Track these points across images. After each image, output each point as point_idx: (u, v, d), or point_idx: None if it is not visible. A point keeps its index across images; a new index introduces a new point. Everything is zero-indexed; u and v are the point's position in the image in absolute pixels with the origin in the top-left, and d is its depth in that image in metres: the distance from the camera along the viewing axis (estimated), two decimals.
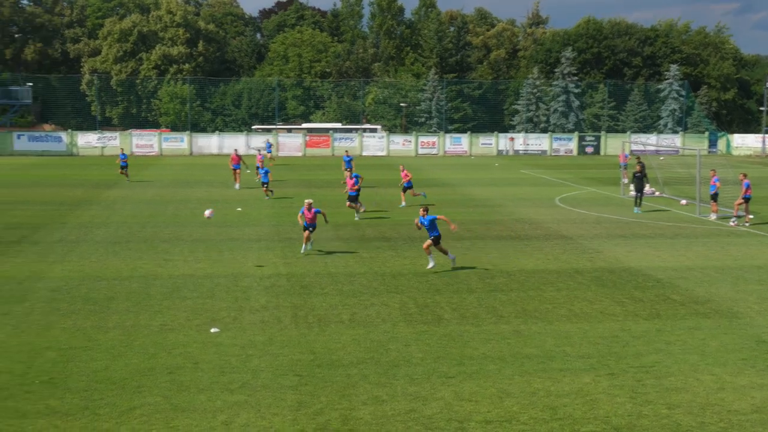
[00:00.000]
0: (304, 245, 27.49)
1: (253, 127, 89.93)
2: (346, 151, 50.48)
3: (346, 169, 47.08)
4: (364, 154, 78.45)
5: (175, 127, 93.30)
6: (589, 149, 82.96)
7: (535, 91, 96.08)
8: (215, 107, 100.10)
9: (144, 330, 18.26)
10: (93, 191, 45.66)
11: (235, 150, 50.26)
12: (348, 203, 36.00)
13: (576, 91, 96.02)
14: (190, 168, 61.72)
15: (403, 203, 40.08)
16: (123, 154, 53.80)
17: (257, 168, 47.37)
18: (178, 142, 77.38)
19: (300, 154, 77.98)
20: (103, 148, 75.92)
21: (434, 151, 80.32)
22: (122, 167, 52.21)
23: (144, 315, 19.58)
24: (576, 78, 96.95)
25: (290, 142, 79.13)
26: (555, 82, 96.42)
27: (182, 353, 16.61)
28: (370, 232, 32.03)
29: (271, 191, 43.21)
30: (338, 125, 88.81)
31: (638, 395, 14.55)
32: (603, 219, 36.26)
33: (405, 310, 20.23)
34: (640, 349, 17.29)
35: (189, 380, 15.02)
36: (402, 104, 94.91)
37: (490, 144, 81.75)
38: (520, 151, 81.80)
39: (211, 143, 77.55)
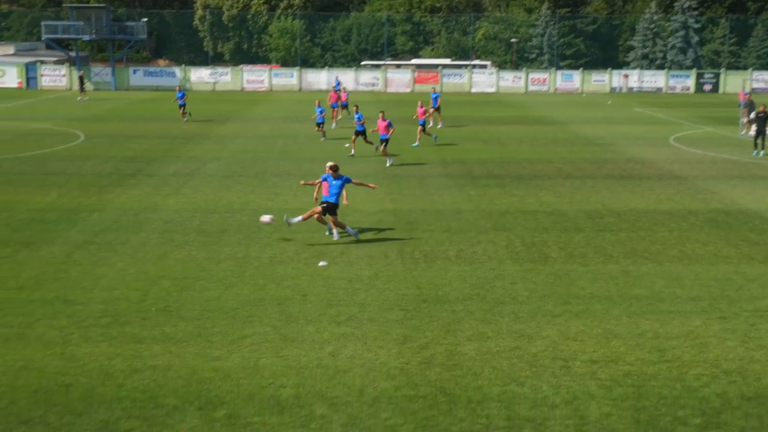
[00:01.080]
0: (334, 231, 20.98)
1: (362, 62, 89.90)
2: (434, 88, 49.30)
3: (433, 108, 46.09)
4: (473, 90, 77.66)
5: (285, 63, 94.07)
6: (707, 87, 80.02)
7: (652, 26, 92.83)
8: (325, 42, 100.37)
9: (254, 262, 18.74)
10: (205, 126, 46.66)
11: (333, 87, 49.81)
12: (382, 147, 32.94)
13: (695, 26, 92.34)
14: (299, 104, 62.29)
15: (417, 143, 39.08)
16: (180, 92, 50.11)
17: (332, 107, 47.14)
18: (287, 78, 78.07)
19: (408, 90, 77.71)
20: (215, 83, 77.25)
21: (545, 88, 78.88)
22: (180, 106, 49.32)
23: (254, 247, 20.07)
24: (696, 12, 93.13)
25: (399, 78, 78.86)
26: (673, 17, 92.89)
27: (291, 285, 17.00)
28: (477, 170, 31.86)
29: (324, 133, 41.15)
30: (447, 61, 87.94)
31: (751, 339, 14.21)
32: (719, 159, 35.12)
33: (511, 248, 20.16)
34: (754, 292, 16.83)
35: (297, 312, 15.39)
36: (513, 40, 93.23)
37: (603, 81, 79.72)
38: (634, 89, 79.53)
39: (320, 79, 77.92)
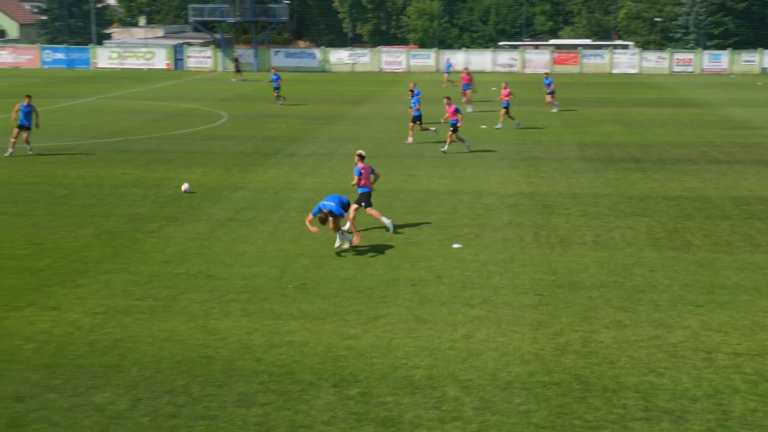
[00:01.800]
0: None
1: (500, 43, 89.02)
2: (546, 73, 47.46)
3: (548, 93, 44.87)
4: (614, 71, 75.75)
5: (422, 44, 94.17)
6: None
7: None
8: (462, 23, 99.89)
9: (389, 242, 18.86)
10: (343, 106, 47.24)
11: (466, 68, 48.52)
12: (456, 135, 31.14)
13: None
14: (436, 84, 62.22)
15: (500, 125, 37.91)
16: (275, 74, 48.80)
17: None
18: (425, 59, 78.14)
19: (547, 71, 76.41)
20: (353, 64, 78.06)
21: (690, 69, 76.14)
22: (275, 89, 48.18)
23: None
24: None
25: (537, 59, 77.70)
26: None
27: (425, 266, 17.04)
28: (617, 153, 31.09)
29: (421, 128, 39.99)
30: (587, 41, 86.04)
31: None
32: None
33: (652, 234, 19.59)
34: None
35: (431, 293, 15.41)
36: (657, 19, 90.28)
37: (753, 61, 76.29)
38: None
39: (457, 60, 77.63)
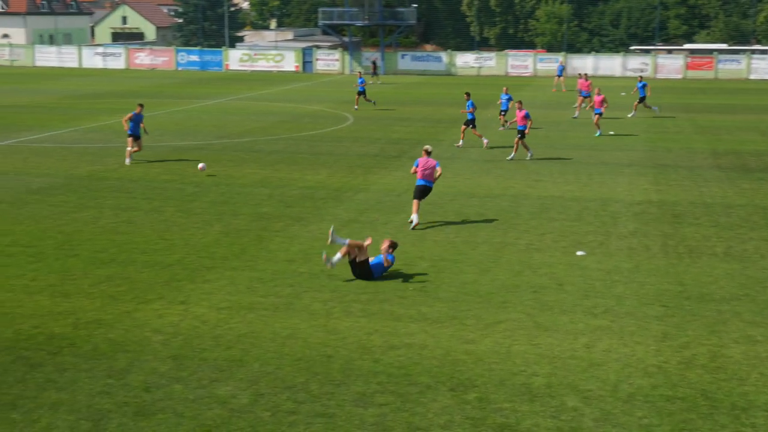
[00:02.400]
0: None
1: (631, 47, 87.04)
2: (640, 76, 45.01)
3: (640, 96, 42.95)
4: (751, 77, 73.00)
5: (550, 48, 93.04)
6: None
7: None
8: (593, 27, 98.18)
9: (511, 247, 18.72)
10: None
11: (585, 75, 46.72)
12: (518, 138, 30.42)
13: None
14: (560, 90, 61.37)
15: (599, 132, 36.73)
16: (361, 78, 48.33)
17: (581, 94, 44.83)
18: (552, 63, 77.15)
19: (680, 76, 74.33)
20: (479, 68, 77.78)
21: None
22: (359, 92, 47.14)
23: (512, 233, 20.04)
24: None
25: (670, 64, 75.62)
26: None
27: (547, 273, 16.82)
28: (753, 162, 29.96)
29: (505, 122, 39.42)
30: (723, 46, 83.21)
31: None
32: None
33: None
34: None
35: (552, 300, 15.21)
36: None
37: None
38: None
39: (585, 64, 76.26)
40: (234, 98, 53.84)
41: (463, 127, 34.03)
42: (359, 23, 79.41)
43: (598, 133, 36.87)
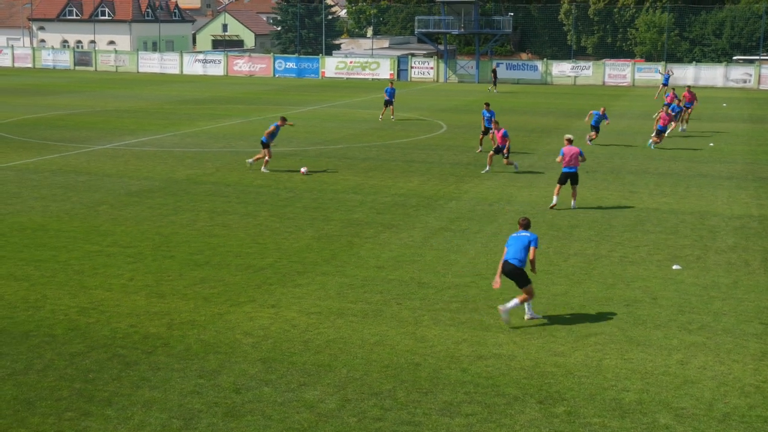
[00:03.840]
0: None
1: (734, 57, 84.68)
2: (674, 95, 40.34)
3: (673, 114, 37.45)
4: None
5: (649, 57, 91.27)
6: None
7: None
8: (694, 36, 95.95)
9: (604, 260, 18.38)
10: (563, 120, 46.56)
11: (688, 87, 43.63)
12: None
13: None
14: (662, 100, 60.05)
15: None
16: (389, 88, 45.26)
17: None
18: (651, 73, 75.63)
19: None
20: (575, 77, 76.80)
21: None
22: (386, 102, 44.60)
23: (605, 245, 19.68)
24: None
25: None
26: None
27: (641, 287, 16.46)
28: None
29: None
30: None
31: None
32: None
33: None
34: None
35: (646, 315, 14.86)
36: None
37: None
38: None
39: (686, 74, 74.49)
40: (329, 105, 54.39)
41: (481, 136, 34.40)
42: (455, 32, 79.30)
43: (650, 144, 35.70)
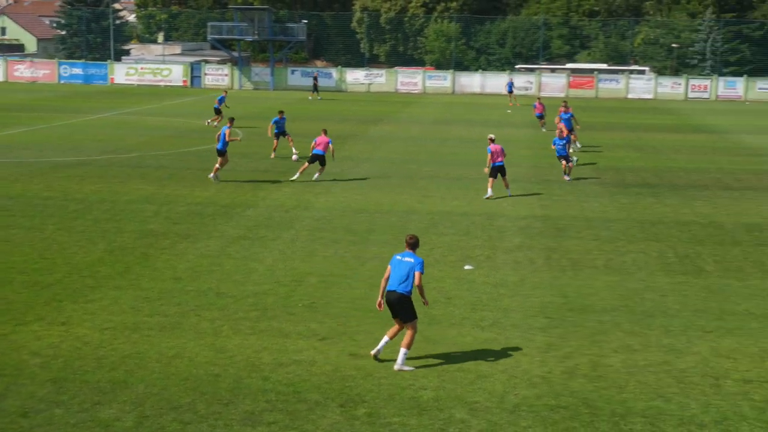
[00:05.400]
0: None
1: (517, 66, 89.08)
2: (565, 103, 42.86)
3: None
4: (629, 96, 75.66)
5: (439, 65, 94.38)
6: None
7: None
8: (479, 46, 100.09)
9: None
10: (359, 126, 47.34)
11: (539, 98, 47.29)
12: None
13: None
14: (451, 106, 62.34)
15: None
16: (279, 119, 40.18)
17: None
18: (441, 81, 78.23)
19: (562, 95, 76.39)
20: (369, 84, 78.25)
21: (705, 95, 75.94)
22: (277, 135, 39.38)
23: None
24: None
25: (553, 83, 77.67)
26: None
27: (436, 287, 17.01)
28: (630, 178, 31.02)
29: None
30: (603, 66, 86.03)
31: None
32: None
33: (663, 260, 19.52)
34: None
35: (441, 314, 15.38)
36: (674, 45, 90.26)
37: None
38: None
39: (473, 82, 77.59)
40: (120, 112, 52.68)
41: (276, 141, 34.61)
42: (249, 38, 78.82)
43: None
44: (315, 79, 69.66)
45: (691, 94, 76.10)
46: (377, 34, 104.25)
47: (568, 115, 36.54)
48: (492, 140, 27.22)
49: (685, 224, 23.30)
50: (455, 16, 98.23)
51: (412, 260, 13.10)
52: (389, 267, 13.25)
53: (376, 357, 13.10)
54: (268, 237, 21.05)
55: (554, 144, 30.09)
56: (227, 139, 28.47)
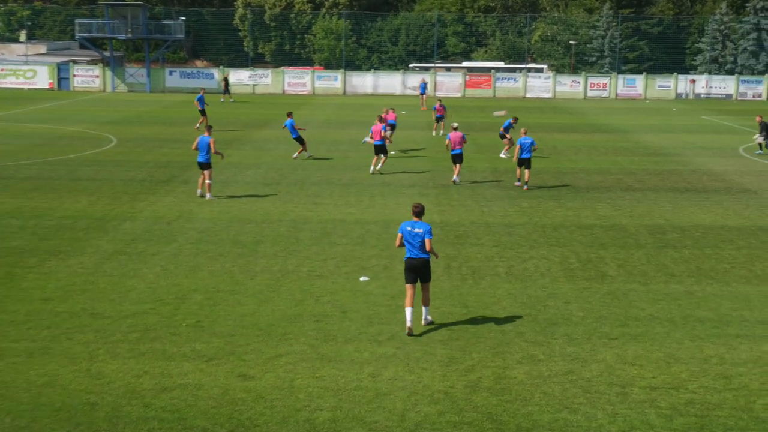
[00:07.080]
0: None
1: (410, 65, 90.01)
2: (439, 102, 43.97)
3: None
4: (528, 95, 77.36)
5: (328, 65, 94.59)
6: None
7: (722, 28, 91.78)
8: (371, 44, 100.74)
9: (292, 275, 18.79)
10: (244, 131, 47.02)
11: (440, 100, 48.59)
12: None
13: None
14: (343, 108, 62.54)
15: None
16: (200, 95, 49.63)
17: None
18: (331, 81, 78.43)
19: (459, 94, 77.58)
20: (254, 86, 77.83)
21: (605, 94, 78.32)
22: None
23: (292, 260, 20.12)
24: None
25: (449, 82, 78.81)
26: (745, 19, 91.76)
27: (330, 301, 17.00)
28: (531, 181, 31.64)
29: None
30: (501, 64, 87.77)
31: None
32: None
33: (566, 265, 19.99)
34: None
35: (336, 329, 15.38)
36: (572, 42, 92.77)
37: (668, 87, 78.93)
38: (702, 95, 78.64)
39: (365, 82, 78.09)
40: None
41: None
42: (122, 37, 77.38)
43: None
44: (225, 80, 69.05)
45: (590, 93, 78.33)
46: (262, 31, 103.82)
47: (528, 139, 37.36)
48: (455, 128, 30.89)
49: (587, 228, 23.93)
50: (345, 13, 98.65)
51: (421, 230, 15.27)
52: (400, 234, 15.49)
53: (410, 332, 14.98)
54: (148, 252, 20.67)
55: (519, 143, 29.70)
56: (213, 150, 26.76)
